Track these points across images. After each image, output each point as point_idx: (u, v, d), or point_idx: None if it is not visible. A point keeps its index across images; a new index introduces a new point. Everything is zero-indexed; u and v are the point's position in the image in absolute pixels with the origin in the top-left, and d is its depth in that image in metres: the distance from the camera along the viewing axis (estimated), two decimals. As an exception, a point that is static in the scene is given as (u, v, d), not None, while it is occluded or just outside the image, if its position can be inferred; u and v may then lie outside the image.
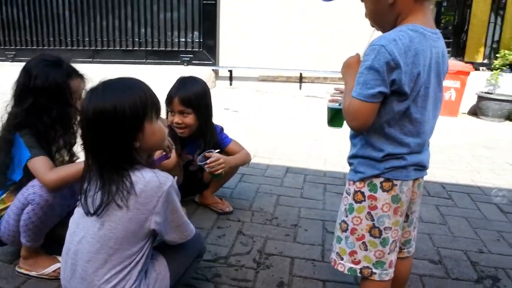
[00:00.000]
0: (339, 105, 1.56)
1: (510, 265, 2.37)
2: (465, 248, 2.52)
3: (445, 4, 7.17)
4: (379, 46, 1.25)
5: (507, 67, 6.61)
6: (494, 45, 7.09)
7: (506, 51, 6.58)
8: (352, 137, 1.47)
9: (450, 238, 2.63)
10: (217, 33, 7.37)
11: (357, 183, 1.42)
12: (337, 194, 3.07)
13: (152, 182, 1.41)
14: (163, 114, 2.45)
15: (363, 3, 1.42)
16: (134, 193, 1.38)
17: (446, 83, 6.22)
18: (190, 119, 2.44)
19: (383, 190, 1.38)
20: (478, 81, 6.63)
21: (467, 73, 6.27)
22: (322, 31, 6.83)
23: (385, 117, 1.33)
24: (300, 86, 7.22)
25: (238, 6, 7.15)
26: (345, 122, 1.43)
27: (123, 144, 1.40)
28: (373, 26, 1.44)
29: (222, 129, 2.70)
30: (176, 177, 1.99)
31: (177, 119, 2.44)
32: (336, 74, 7.02)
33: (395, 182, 1.38)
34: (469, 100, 6.59)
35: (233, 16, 7.20)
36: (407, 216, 1.52)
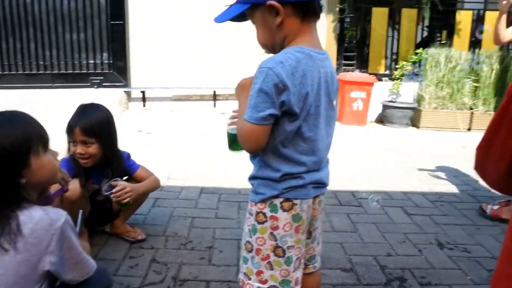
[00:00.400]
0: None
1: (415, 265, 2.52)
2: (374, 253, 2.64)
3: (347, 20, 7.56)
4: (267, 69, 1.28)
5: (406, 76, 7.09)
6: (394, 57, 7.58)
7: (404, 62, 7.06)
8: (252, 158, 1.49)
9: (361, 245, 2.74)
10: (127, 54, 7.18)
11: (258, 204, 1.43)
12: (252, 211, 3.09)
13: (42, 221, 1.32)
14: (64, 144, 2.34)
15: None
16: (22, 234, 1.29)
17: (353, 94, 6.55)
18: (93, 148, 2.34)
19: (284, 210, 1.40)
20: (382, 91, 7.03)
21: (372, 84, 6.64)
22: (233, 48, 6.91)
23: (278, 137, 1.35)
24: (215, 103, 7.21)
25: (147, 25, 7.01)
26: None
27: (7, 182, 1.30)
28: (263, 49, 1.47)
29: (129, 155, 2.62)
30: (81, 210, 1.90)
31: (79, 149, 2.32)
32: (250, 90, 7.13)
33: (294, 201, 1.41)
34: (375, 109, 6.96)
35: (143, 36, 7.04)
36: (310, 232, 1.56)
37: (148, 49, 7.05)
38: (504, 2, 3.04)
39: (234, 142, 1.57)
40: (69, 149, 2.39)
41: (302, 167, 1.39)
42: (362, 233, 2.90)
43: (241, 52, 6.76)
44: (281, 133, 1.35)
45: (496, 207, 3.30)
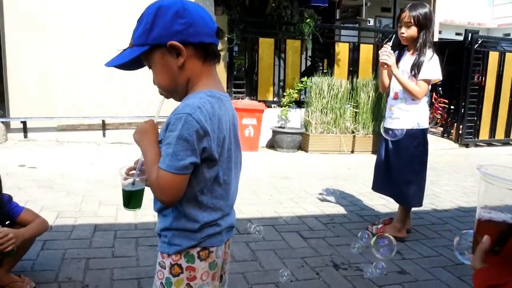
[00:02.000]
0: (133, 184, 1.44)
1: (314, 289, 2.63)
2: (275, 280, 2.69)
3: (236, 49, 7.78)
4: (186, 115, 1.22)
5: (293, 103, 7.47)
6: (281, 84, 7.95)
7: (291, 90, 7.44)
8: (161, 208, 1.40)
9: (262, 273, 2.78)
10: (4, 81, 6.59)
11: (173, 256, 1.36)
12: (150, 247, 2.99)
13: None
14: None
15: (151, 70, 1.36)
16: None
17: (244, 121, 6.71)
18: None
19: (201, 259, 1.36)
20: (272, 117, 7.32)
21: (262, 111, 6.88)
22: (122, 75, 6.71)
23: (197, 186, 1.31)
24: (104, 133, 6.91)
25: (27, 48, 6.46)
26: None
27: None
28: (162, 94, 1.40)
29: (10, 197, 2.39)
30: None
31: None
32: (141, 119, 6.96)
33: (211, 249, 1.37)
34: (266, 135, 7.22)
35: (23, 61, 6.49)
36: (221, 276, 1.53)
37: (28, 75, 6.52)
38: (383, 58, 3.29)
39: (133, 199, 1.49)
40: None
41: (218, 212, 1.37)
42: (262, 261, 2.95)
43: (130, 80, 6.60)
44: (200, 180, 1.30)
45: (380, 226, 3.58)
